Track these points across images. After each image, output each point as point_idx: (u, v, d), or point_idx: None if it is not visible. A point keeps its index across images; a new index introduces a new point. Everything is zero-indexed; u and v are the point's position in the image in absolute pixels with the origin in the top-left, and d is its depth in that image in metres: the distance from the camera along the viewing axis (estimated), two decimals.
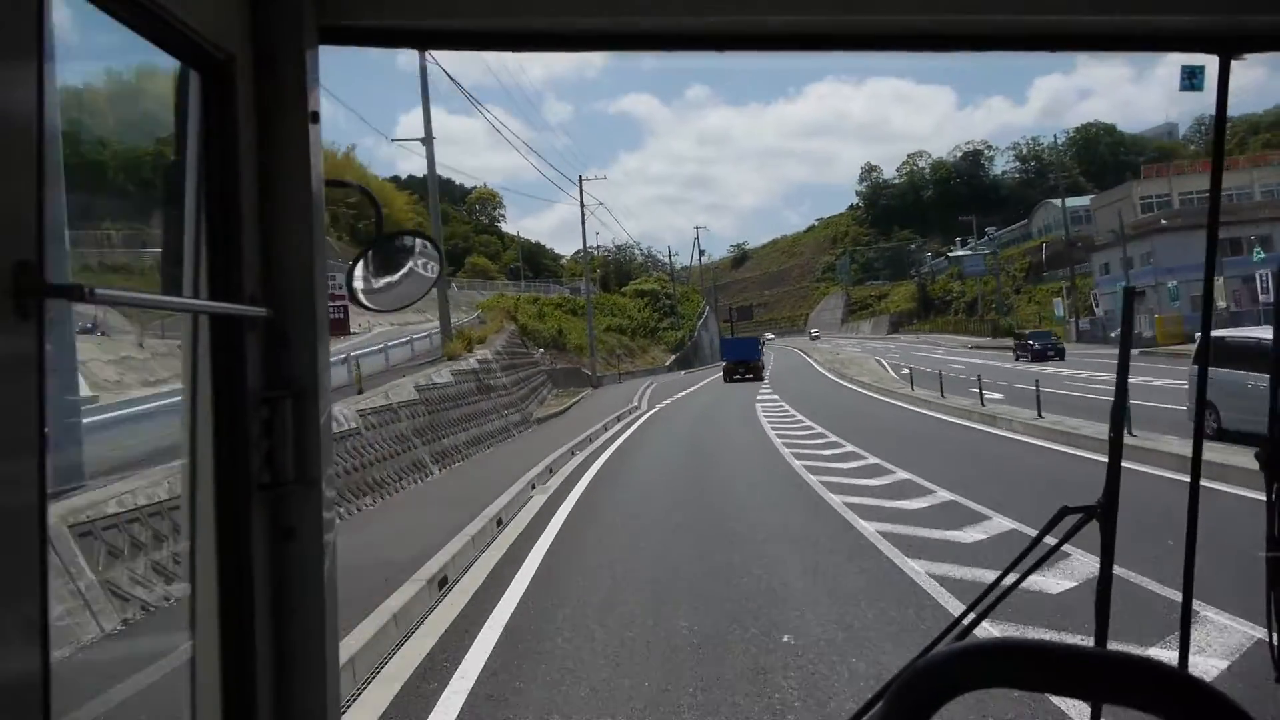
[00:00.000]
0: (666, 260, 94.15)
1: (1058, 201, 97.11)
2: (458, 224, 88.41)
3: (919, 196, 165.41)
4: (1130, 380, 1.45)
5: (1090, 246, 63.28)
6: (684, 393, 39.58)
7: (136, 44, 0.94)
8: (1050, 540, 1.37)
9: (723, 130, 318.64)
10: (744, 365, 45.16)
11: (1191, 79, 1.48)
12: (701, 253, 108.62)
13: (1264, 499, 1.52)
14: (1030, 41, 1.28)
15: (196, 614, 1.13)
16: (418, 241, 1.57)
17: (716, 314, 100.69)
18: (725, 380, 45.08)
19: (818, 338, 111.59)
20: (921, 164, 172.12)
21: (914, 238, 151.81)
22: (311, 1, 1.14)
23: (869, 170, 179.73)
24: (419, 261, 1.55)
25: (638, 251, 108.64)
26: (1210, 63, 1.28)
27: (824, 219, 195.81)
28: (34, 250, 0.69)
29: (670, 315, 75.88)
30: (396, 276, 1.52)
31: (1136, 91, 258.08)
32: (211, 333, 1.11)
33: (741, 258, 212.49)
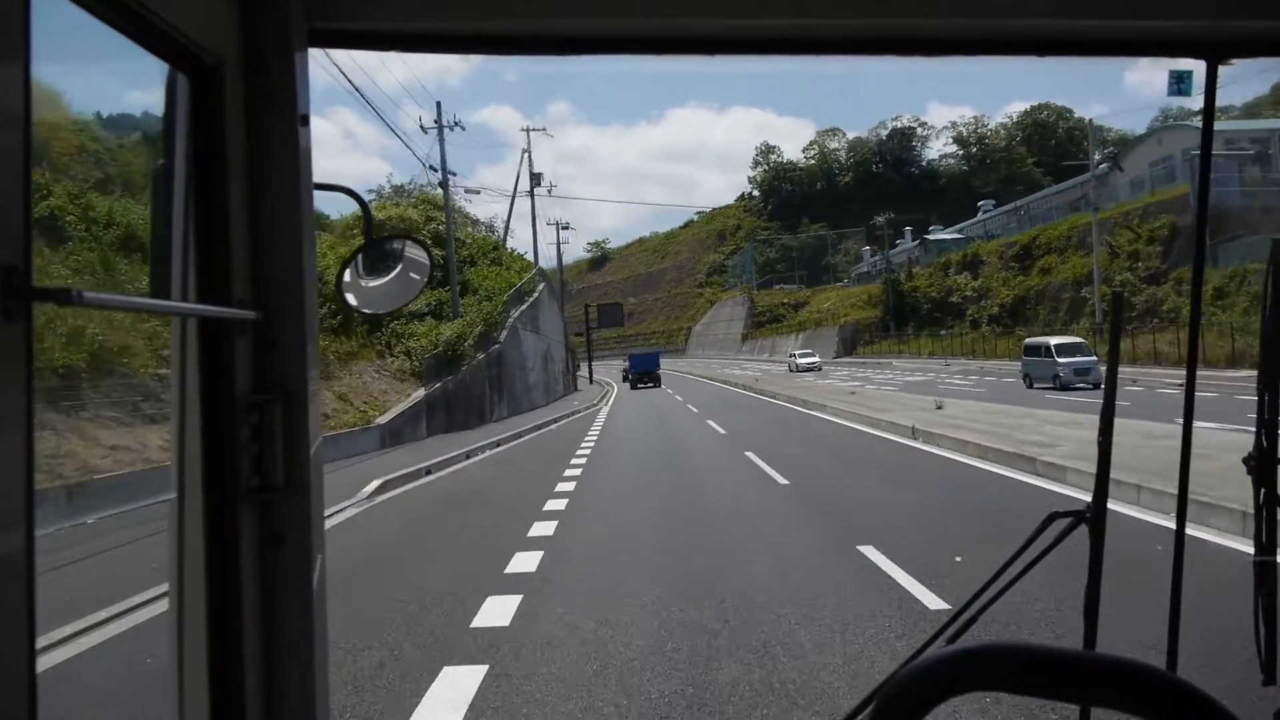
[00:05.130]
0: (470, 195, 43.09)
1: (1196, 123, 60.82)
2: None
3: (833, 183, 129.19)
4: None
5: None
6: None
7: (126, 48, 0.93)
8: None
9: (583, 148, 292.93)
10: (647, 375, 52.45)
11: (1180, 83, 0.89)
12: (534, 177, 54.67)
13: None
14: (1019, 46, 1.27)
15: (184, 621, 1.10)
16: (407, 244, 1.61)
17: (563, 304, 56.60)
18: (631, 387, 50.78)
19: None
20: (834, 145, 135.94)
21: (829, 232, 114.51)
22: (301, 5, 1.13)
23: (767, 151, 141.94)
24: (408, 264, 1.58)
25: (437, 190, 60.48)
26: (1198, 68, 1.28)
27: (706, 212, 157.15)
28: (20, 254, 0.69)
29: (439, 285, 30.62)
30: (386, 279, 1.57)
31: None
32: (200, 336, 1.09)
33: (601, 259, 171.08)
